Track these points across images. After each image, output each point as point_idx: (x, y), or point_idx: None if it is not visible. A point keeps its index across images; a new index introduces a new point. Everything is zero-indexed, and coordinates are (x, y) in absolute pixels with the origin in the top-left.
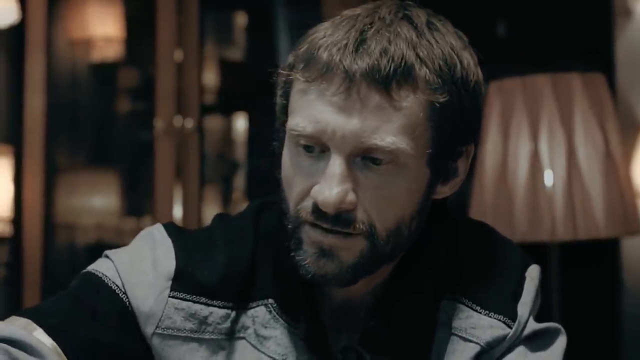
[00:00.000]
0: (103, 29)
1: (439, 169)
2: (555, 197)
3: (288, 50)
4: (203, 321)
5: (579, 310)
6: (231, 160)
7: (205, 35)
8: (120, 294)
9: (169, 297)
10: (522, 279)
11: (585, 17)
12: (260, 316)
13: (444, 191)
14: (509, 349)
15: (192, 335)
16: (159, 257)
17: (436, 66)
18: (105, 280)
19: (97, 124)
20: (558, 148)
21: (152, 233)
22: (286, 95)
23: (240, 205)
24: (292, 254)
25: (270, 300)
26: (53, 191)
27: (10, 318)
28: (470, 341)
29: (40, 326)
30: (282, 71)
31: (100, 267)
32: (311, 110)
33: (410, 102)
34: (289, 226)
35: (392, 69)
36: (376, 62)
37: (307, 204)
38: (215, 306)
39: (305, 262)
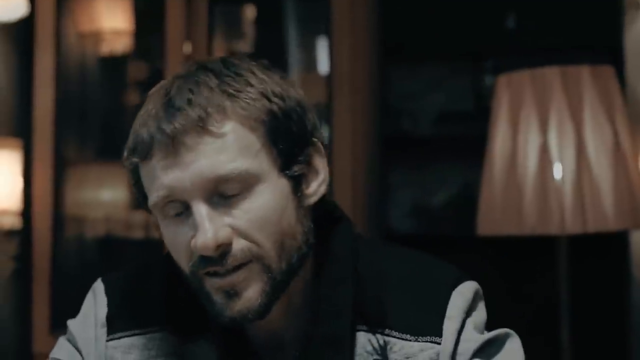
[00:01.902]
0: (112, 23)
1: (294, 175)
2: (564, 190)
3: (296, 43)
4: (143, 348)
5: (588, 303)
6: None
7: (214, 28)
8: None
9: (106, 342)
10: (447, 298)
11: (594, 9)
12: (202, 348)
13: (312, 193)
14: None
15: None
16: (97, 311)
17: (245, 91)
18: None
19: (106, 117)
20: (567, 141)
21: (94, 290)
22: (138, 183)
23: None
24: (207, 308)
25: (209, 334)
26: (62, 184)
27: None
28: None
29: None
30: (124, 164)
31: (60, 352)
32: (157, 180)
33: (233, 128)
34: (193, 285)
35: (201, 111)
36: (185, 113)
37: (195, 259)
38: (151, 332)
39: (219, 310)
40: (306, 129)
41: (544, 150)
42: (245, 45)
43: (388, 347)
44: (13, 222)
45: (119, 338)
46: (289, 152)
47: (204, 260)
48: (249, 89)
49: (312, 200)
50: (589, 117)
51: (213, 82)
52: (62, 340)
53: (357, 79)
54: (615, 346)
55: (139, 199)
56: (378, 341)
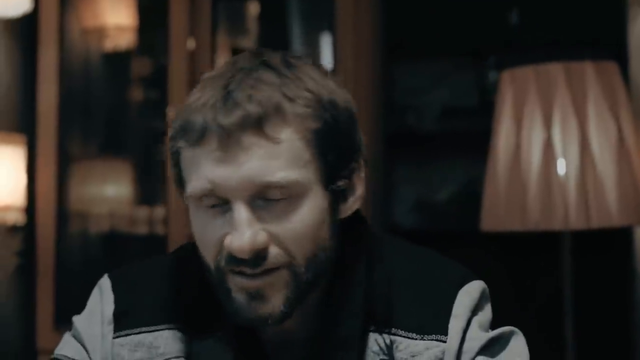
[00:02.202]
0: (116, 18)
1: (335, 190)
2: (568, 186)
3: (300, 39)
4: (150, 346)
5: (591, 299)
6: None
7: (218, 24)
8: None
9: (113, 339)
10: (453, 297)
11: (598, 5)
12: (210, 347)
13: (347, 209)
14: None
15: None
16: (104, 308)
17: (304, 98)
18: None
19: (110, 113)
20: (571, 137)
21: (100, 286)
22: (178, 166)
23: None
24: (224, 304)
25: (219, 333)
26: (66, 180)
27: None
28: None
29: None
30: (167, 145)
31: (65, 348)
32: (201, 171)
33: (288, 135)
34: (214, 280)
35: (261, 111)
36: (246, 110)
37: (224, 254)
38: (159, 330)
39: (239, 309)
40: (354, 144)
41: (548, 146)
42: (248, 42)
43: (394, 346)
44: (17, 217)
45: (126, 335)
46: (335, 166)
47: (235, 259)
48: (307, 94)
49: (345, 215)
50: (592, 113)
51: (275, 81)
52: (67, 337)
53: (361, 75)
54: (619, 341)
55: (176, 182)
56: (384, 341)
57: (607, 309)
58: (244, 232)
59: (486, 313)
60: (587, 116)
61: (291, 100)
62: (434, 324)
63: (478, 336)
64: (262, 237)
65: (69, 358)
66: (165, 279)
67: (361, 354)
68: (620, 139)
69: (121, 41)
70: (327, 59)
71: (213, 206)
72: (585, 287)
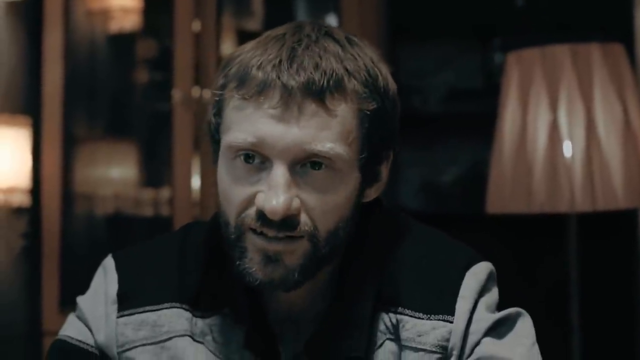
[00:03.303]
0: (121, 0)
1: (367, 173)
2: (574, 168)
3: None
4: (154, 324)
5: (597, 281)
6: None
7: (223, 6)
8: (88, 348)
9: (117, 318)
10: (460, 278)
11: None
12: (217, 324)
13: (370, 194)
14: (465, 344)
15: (148, 342)
16: (107, 288)
17: (362, 77)
18: (74, 343)
19: (115, 95)
20: (577, 119)
21: (104, 266)
22: (219, 115)
23: None
24: (237, 262)
25: (226, 310)
26: (71, 162)
27: None
28: (421, 349)
29: None
30: (214, 91)
31: (69, 329)
32: (250, 124)
33: (344, 111)
34: (232, 236)
35: (325, 81)
36: (311, 76)
37: (251, 212)
38: (163, 308)
39: (252, 269)
40: (393, 133)
41: (554, 128)
42: (254, 24)
43: (400, 325)
44: (22, 199)
45: (130, 315)
46: (373, 152)
47: (263, 219)
48: (365, 74)
49: (367, 199)
50: (599, 95)
51: (339, 54)
52: (71, 317)
53: None
54: (625, 323)
55: (212, 131)
56: (390, 320)
57: (612, 290)
58: (280, 194)
59: (493, 295)
60: (593, 98)
61: (352, 76)
62: (441, 304)
63: (484, 317)
64: (296, 203)
65: (73, 339)
66: (169, 258)
67: (370, 334)
68: (626, 121)
69: (126, 23)
70: None
71: (248, 161)
72: (591, 269)
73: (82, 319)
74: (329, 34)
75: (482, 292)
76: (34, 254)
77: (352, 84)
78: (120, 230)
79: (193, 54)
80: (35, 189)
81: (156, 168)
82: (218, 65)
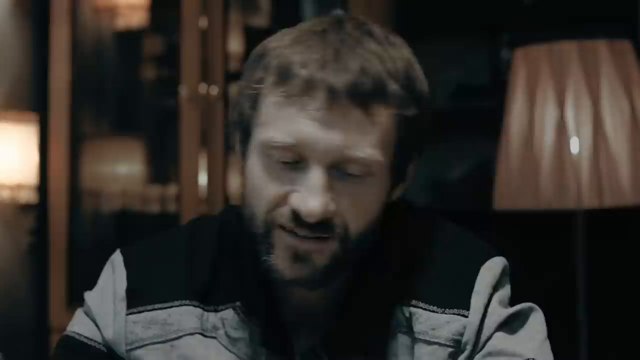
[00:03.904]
0: None
1: (396, 175)
2: (581, 165)
3: (312, 17)
4: (164, 323)
5: (604, 278)
6: None
7: (230, 2)
8: (96, 345)
9: (126, 315)
10: (475, 272)
11: None
12: (229, 318)
13: (395, 194)
14: (479, 338)
15: (158, 340)
16: (116, 284)
17: (403, 82)
18: (82, 340)
19: (122, 92)
20: (584, 115)
21: (113, 262)
22: (255, 108)
23: None
24: (263, 258)
25: (238, 303)
26: (78, 159)
27: None
28: (434, 343)
29: None
30: (251, 84)
31: (77, 325)
32: (292, 124)
33: (384, 116)
34: (259, 231)
35: (369, 85)
36: (356, 80)
37: (284, 210)
38: (173, 306)
39: (280, 266)
40: (423, 140)
41: (561, 124)
42: (261, 20)
43: (414, 318)
44: (29, 196)
45: (139, 312)
46: (405, 155)
47: (297, 219)
48: (405, 78)
49: (391, 199)
50: (606, 91)
51: (383, 57)
52: (79, 313)
53: None
54: (632, 320)
55: (240, 123)
56: (404, 313)
57: (620, 287)
58: (318, 197)
59: (506, 289)
60: (601, 95)
61: (394, 80)
62: (455, 298)
63: (498, 312)
64: (332, 207)
65: (81, 335)
66: (178, 253)
67: (388, 328)
68: (634, 118)
69: (133, 20)
70: None
71: (284, 160)
72: (598, 265)
73: (89, 316)
74: (370, 33)
75: (496, 287)
76: (41, 250)
77: (393, 89)
78: (127, 227)
79: (200, 51)
80: (43, 186)
81: (163, 165)
82: (225, 61)
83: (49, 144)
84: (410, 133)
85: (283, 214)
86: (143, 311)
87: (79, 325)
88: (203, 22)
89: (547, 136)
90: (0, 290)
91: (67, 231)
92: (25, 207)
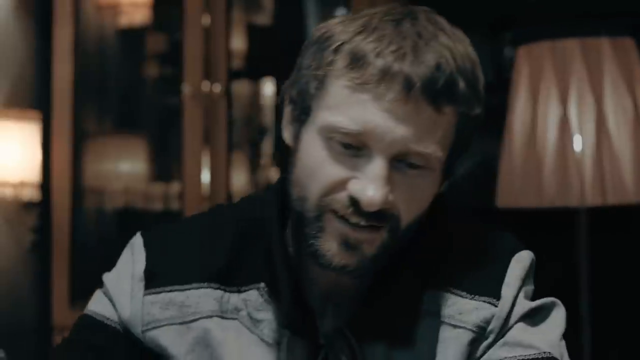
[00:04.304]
0: None
1: (447, 172)
2: (584, 162)
3: (315, 16)
4: (181, 305)
5: (607, 275)
6: (259, 126)
7: (233, 0)
8: (112, 324)
9: (144, 296)
10: (507, 263)
11: None
12: (252, 299)
13: (441, 189)
14: (503, 328)
15: (174, 322)
16: (135, 264)
17: (470, 81)
18: (99, 318)
19: (125, 90)
20: (587, 113)
21: (132, 244)
22: (320, 88)
23: (268, 170)
24: (310, 241)
25: (262, 284)
26: (81, 156)
27: None
28: (460, 327)
29: None
30: (319, 65)
31: (95, 305)
32: (362, 112)
33: (451, 115)
34: (309, 214)
35: (443, 82)
36: (433, 76)
37: (341, 196)
38: (190, 289)
39: (328, 252)
40: (474, 135)
41: (564, 122)
42: (264, 18)
43: (442, 301)
44: (32, 194)
45: (157, 293)
46: (459, 153)
47: (354, 206)
48: (471, 78)
49: (437, 193)
50: (609, 89)
51: (456, 54)
52: (98, 293)
53: None
54: (635, 317)
55: (304, 97)
56: (432, 296)
57: (623, 285)
58: (380, 187)
59: (532, 283)
60: (603, 92)
61: (463, 79)
62: (486, 287)
63: (522, 304)
64: (391, 198)
65: (98, 314)
66: (199, 237)
67: (413, 310)
68: (637, 115)
69: (136, 17)
70: None
71: (346, 147)
72: (601, 263)
73: (107, 295)
74: (442, 27)
75: (524, 280)
76: (44, 248)
77: (462, 88)
78: (130, 225)
79: (203, 49)
80: (45, 184)
81: (166, 162)
82: (228, 59)
83: (52, 142)
84: (467, 134)
85: (339, 200)
86: (161, 292)
87: (96, 305)
88: (206, 20)
89: (550, 134)
90: (2, 288)
91: (69, 229)
92: (28, 205)
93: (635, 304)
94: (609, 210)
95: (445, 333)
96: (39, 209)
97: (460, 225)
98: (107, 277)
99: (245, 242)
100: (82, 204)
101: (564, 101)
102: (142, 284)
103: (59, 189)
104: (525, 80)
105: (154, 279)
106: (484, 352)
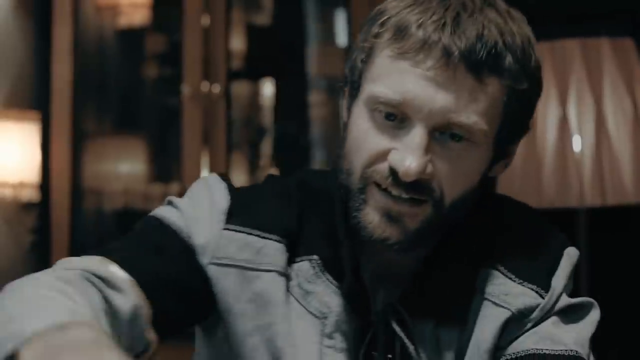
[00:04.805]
0: None
1: (500, 150)
2: (583, 163)
3: (315, 15)
4: (258, 251)
5: (607, 276)
6: (258, 126)
7: (233, 1)
8: (180, 233)
9: (223, 229)
10: (559, 256)
11: None
12: (304, 270)
13: (497, 171)
14: (542, 320)
15: (247, 265)
16: (214, 197)
17: (519, 55)
18: (165, 221)
19: (125, 90)
20: (587, 113)
21: (207, 180)
22: (367, 61)
23: (267, 170)
24: (354, 213)
25: (315, 257)
26: (80, 157)
27: (83, 257)
28: (502, 307)
29: (114, 262)
30: (368, 37)
31: (162, 210)
32: (402, 81)
33: (495, 87)
34: (354, 186)
35: (485, 52)
36: (473, 44)
37: (382, 167)
38: (269, 239)
39: (370, 224)
40: (531, 115)
41: (564, 122)
42: (263, 18)
43: (489, 278)
44: (31, 194)
45: (237, 231)
46: (510, 130)
47: (394, 177)
48: (521, 52)
49: (493, 175)
50: (608, 89)
51: (501, 27)
52: (166, 208)
53: None
54: (635, 318)
55: (354, 73)
56: (481, 273)
57: (622, 285)
58: (417, 157)
59: (572, 280)
60: (603, 93)
61: (510, 52)
62: (536, 275)
63: (563, 299)
64: (430, 169)
65: (170, 221)
66: (275, 198)
67: (471, 294)
68: (636, 116)
69: (135, 18)
70: (341, 34)
71: (388, 118)
72: (600, 264)
73: (181, 214)
74: (492, 4)
75: (570, 276)
76: (43, 248)
77: (508, 60)
78: (129, 225)
79: (202, 49)
80: (45, 184)
81: (165, 163)
82: (227, 60)
83: (51, 143)
84: (519, 109)
85: (380, 171)
86: (241, 232)
87: (167, 213)
88: (205, 21)
89: (549, 134)
90: (1, 288)
91: (69, 229)
92: (27, 206)
93: (634, 304)
94: (608, 210)
95: (487, 310)
96: (39, 209)
97: (513, 209)
98: (179, 201)
99: (307, 214)
100: (82, 204)
101: (563, 101)
102: (222, 217)
103: (58, 190)
104: None
105: (236, 216)
106: (515, 337)
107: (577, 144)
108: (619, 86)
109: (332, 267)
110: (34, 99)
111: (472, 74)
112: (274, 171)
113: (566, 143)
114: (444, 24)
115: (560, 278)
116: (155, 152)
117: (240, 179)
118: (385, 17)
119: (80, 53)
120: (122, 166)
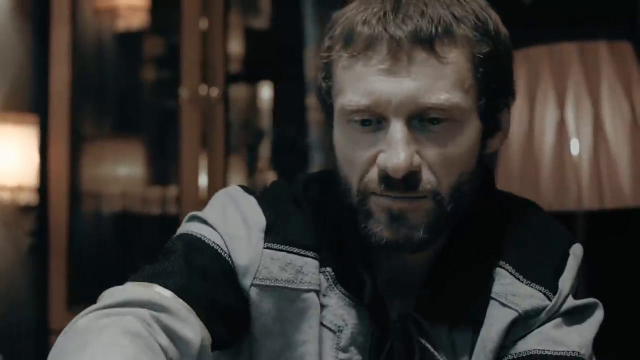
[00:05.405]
0: None
1: (488, 121)
2: (581, 166)
3: (312, 18)
4: (299, 271)
5: (605, 279)
6: (256, 129)
7: (231, 4)
8: (222, 253)
9: (264, 248)
10: (565, 256)
11: None
12: (323, 280)
13: (493, 145)
14: (547, 321)
15: (288, 286)
16: (246, 213)
17: (471, 22)
18: (206, 241)
19: (123, 93)
20: (584, 117)
21: (229, 193)
22: (329, 77)
23: (265, 173)
24: (362, 225)
25: (329, 269)
26: (79, 160)
27: (136, 285)
28: (509, 307)
29: (168, 288)
30: (322, 54)
31: (197, 228)
32: (361, 83)
33: (456, 57)
34: (355, 200)
35: (432, 28)
36: (418, 24)
37: (373, 174)
38: (308, 257)
39: (378, 229)
40: (510, 78)
41: (561, 126)
42: (261, 21)
43: (496, 277)
44: (30, 198)
45: (277, 250)
46: (492, 97)
47: (386, 179)
48: (474, 18)
49: (490, 150)
50: (606, 93)
51: (445, 1)
52: (196, 223)
53: None
54: (634, 321)
55: (323, 96)
56: (489, 272)
57: (620, 289)
58: (400, 151)
59: (578, 279)
60: (601, 96)
61: (460, 21)
62: (544, 277)
63: (569, 301)
64: (417, 159)
65: (210, 240)
66: (297, 206)
67: (488, 294)
68: (634, 119)
69: (134, 21)
70: None
71: (364, 124)
72: (598, 267)
73: (217, 231)
74: None
75: (576, 276)
76: (41, 251)
77: (461, 29)
78: (127, 228)
79: (200, 52)
80: (43, 187)
81: (163, 166)
82: (225, 63)
83: (49, 146)
84: (492, 73)
85: (372, 179)
86: (282, 250)
87: (202, 230)
88: (203, 24)
89: (547, 137)
90: (0, 291)
91: (67, 232)
92: (25, 209)
93: (633, 307)
94: (606, 214)
95: (493, 310)
96: (37, 212)
97: (518, 207)
98: (208, 217)
99: (322, 225)
100: (80, 207)
101: (561, 105)
102: (262, 235)
103: (56, 193)
104: (523, 84)
105: (274, 234)
106: (519, 337)
107: (574, 147)
108: (617, 89)
109: (344, 278)
110: (32, 102)
111: (427, 53)
112: (272, 174)
113: (564, 146)
114: (385, 14)
115: (567, 279)
116: (154, 155)
117: (238, 182)
118: (333, 29)
119: (79, 56)
120: (120, 169)
